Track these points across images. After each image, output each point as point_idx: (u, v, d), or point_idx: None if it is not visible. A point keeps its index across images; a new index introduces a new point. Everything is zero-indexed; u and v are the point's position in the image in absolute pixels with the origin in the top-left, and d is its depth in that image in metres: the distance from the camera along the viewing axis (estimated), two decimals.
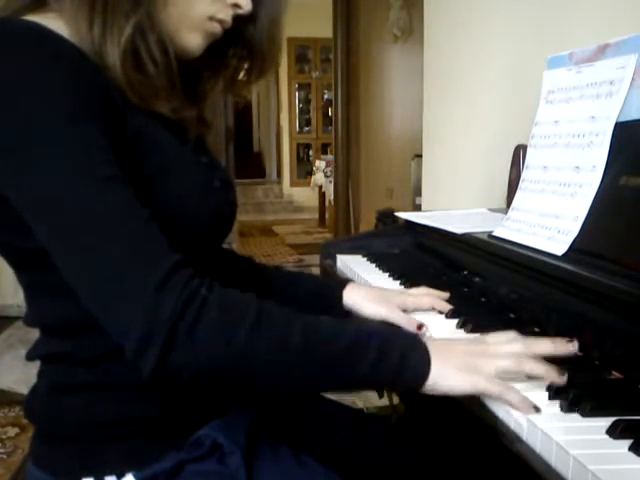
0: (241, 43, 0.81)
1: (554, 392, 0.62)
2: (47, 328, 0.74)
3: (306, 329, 0.63)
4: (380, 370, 0.63)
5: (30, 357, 0.76)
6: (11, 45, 0.60)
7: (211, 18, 0.73)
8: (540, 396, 0.62)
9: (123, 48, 0.65)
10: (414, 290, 0.96)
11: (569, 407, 0.59)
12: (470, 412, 0.65)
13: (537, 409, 0.59)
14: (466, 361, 0.65)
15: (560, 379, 0.62)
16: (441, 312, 0.91)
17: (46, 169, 0.59)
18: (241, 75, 0.83)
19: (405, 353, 0.64)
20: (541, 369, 0.63)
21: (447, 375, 0.64)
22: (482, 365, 0.64)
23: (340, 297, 0.94)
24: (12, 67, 0.60)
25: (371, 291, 0.95)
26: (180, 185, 0.70)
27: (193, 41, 0.73)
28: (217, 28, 0.74)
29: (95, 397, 0.71)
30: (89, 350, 0.70)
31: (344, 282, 0.96)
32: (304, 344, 0.62)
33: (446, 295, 0.94)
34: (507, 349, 0.66)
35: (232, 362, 0.61)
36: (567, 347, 0.66)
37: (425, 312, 0.91)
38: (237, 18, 0.76)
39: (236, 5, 0.74)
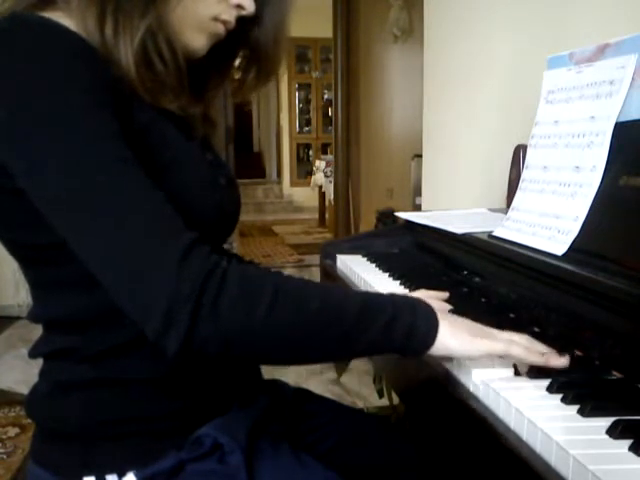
0: (248, 45, 0.82)
1: (554, 391, 0.62)
2: (52, 323, 0.74)
3: (322, 295, 0.65)
4: (391, 332, 0.65)
5: (32, 355, 0.76)
6: (29, 40, 0.61)
7: (215, 19, 0.74)
8: (540, 396, 0.62)
9: (136, 48, 0.66)
10: (413, 294, 0.95)
11: (569, 407, 0.59)
12: (470, 412, 0.65)
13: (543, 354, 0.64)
14: (473, 328, 0.68)
15: (560, 361, 0.65)
16: None
17: (63, 155, 0.60)
18: (250, 78, 0.83)
19: (414, 315, 0.67)
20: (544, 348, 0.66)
21: (455, 334, 0.67)
22: (488, 334, 0.68)
23: None
24: (31, 60, 0.61)
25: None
26: (187, 180, 0.71)
27: (197, 41, 0.74)
28: (221, 29, 0.75)
29: (96, 395, 0.71)
30: (92, 346, 0.70)
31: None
32: (320, 310, 0.64)
33: (445, 295, 0.94)
34: (510, 337, 0.68)
35: (255, 330, 0.61)
36: (558, 359, 0.67)
37: None
38: (244, 20, 0.77)
39: (239, 6, 0.75)
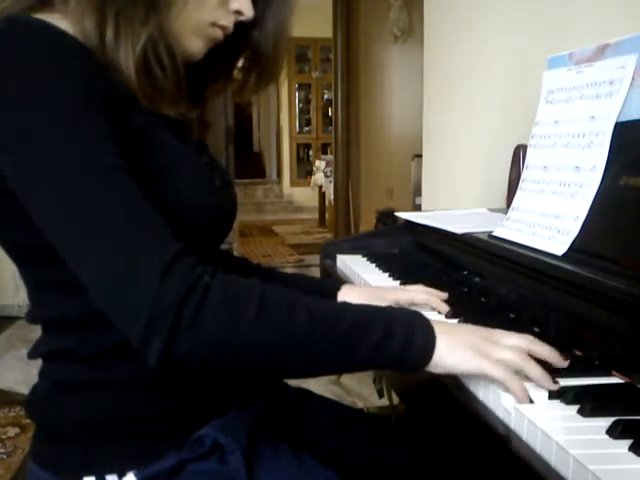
0: (249, 48, 0.82)
1: (554, 392, 0.62)
2: (50, 324, 0.74)
3: (309, 310, 0.63)
4: (386, 348, 0.63)
5: (32, 355, 0.76)
6: (26, 42, 0.61)
7: (213, 24, 0.74)
8: (540, 396, 0.62)
9: (138, 55, 0.66)
10: (410, 286, 0.96)
11: (569, 407, 0.59)
12: (470, 411, 0.65)
13: (531, 401, 0.61)
14: (473, 342, 0.65)
15: (553, 385, 0.62)
16: (440, 312, 0.90)
17: (54, 161, 0.60)
18: (252, 80, 0.83)
19: (410, 330, 0.64)
20: (538, 373, 0.63)
21: (454, 351, 0.64)
22: (488, 349, 0.64)
23: (335, 299, 0.94)
24: (27, 63, 0.61)
25: (365, 290, 0.96)
26: (184, 183, 0.71)
27: (194, 45, 0.74)
28: (218, 34, 0.76)
29: (96, 395, 0.71)
30: (92, 346, 0.70)
31: (339, 284, 0.96)
32: (308, 325, 0.62)
33: (444, 295, 0.94)
34: (512, 342, 0.66)
35: (237, 346, 0.60)
36: (560, 360, 0.66)
37: (425, 313, 0.91)
38: (246, 23, 0.77)
39: (238, 12, 0.75)
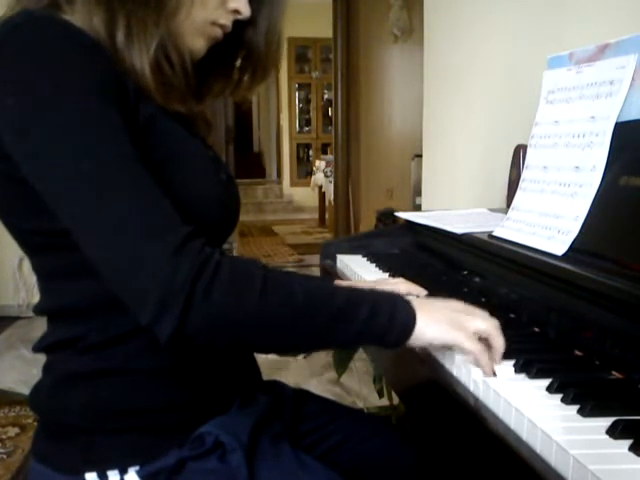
0: (243, 47, 0.84)
1: (554, 391, 0.62)
2: (57, 314, 0.75)
3: (307, 288, 0.67)
4: (372, 325, 0.68)
5: (37, 349, 0.77)
6: (40, 35, 0.63)
7: (213, 23, 0.77)
8: (540, 395, 0.62)
9: (152, 55, 0.69)
10: (393, 280, 0.98)
11: (569, 407, 0.59)
12: (470, 411, 0.65)
13: (495, 374, 0.67)
14: (449, 316, 0.70)
15: (500, 362, 0.69)
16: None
17: (66, 148, 0.61)
18: (245, 78, 0.86)
19: (393, 308, 0.69)
20: (501, 345, 0.69)
21: (432, 325, 0.69)
22: (463, 321, 0.70)
23: None
24: (41, 55, 0.62)
25: (353, 285, 0.96)
26: (191, 172, 0.73)
27: (197, 44, 0.77)
28: (218, 32, 0.78)
29: (98, 386, 0.72)
30: (97, 335, 0.71)
31: (329, 280, 0.97)
32: (306, 302, 0.66)
33: (424, 291, 0.95)
34: (483, 314, 0.72)
35: (245, 319, 0.63)
36: (498, 360, 0.70)
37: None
38: (241, 23, 0.80)
39: (236, 11, 0.78)
